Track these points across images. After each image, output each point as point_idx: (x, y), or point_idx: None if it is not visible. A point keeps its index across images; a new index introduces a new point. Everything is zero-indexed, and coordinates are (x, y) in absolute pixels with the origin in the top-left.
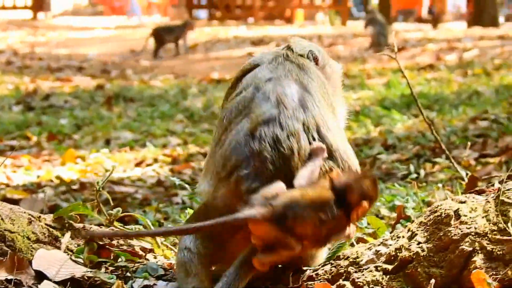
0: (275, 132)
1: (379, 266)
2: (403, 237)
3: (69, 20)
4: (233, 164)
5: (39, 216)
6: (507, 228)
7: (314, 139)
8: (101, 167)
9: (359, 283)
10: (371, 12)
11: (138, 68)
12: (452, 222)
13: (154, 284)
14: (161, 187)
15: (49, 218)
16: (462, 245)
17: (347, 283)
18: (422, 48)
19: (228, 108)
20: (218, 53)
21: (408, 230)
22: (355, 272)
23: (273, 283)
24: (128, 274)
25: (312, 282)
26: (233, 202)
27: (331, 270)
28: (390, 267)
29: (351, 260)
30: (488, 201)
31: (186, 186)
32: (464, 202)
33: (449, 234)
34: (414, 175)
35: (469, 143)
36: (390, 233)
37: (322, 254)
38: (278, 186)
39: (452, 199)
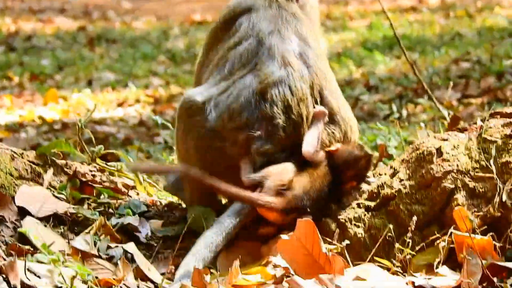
0: (286, 97)
1: (362, 203)
2: (385, 174)
3: None
4: (243, 122)
5: (22, 153)
6: (489, 166)
7: (317, 102)
8: (83, 107)
9: (341, 220)
10: None
11: (119, 10)
12: (434, 159)
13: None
14: (143, 127)
15: (32, 154)
16: (444, 182)
17: (329, 220)
18: None
19: (228, 58)
20: None
21: (390, 168)
22: (337, 209)
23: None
24: (111, 210)
25: None
26: (239, 153)
27: None
28: (372, 204)
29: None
30: (471, 139)
31: (169, 125)
32: (446, 140)
33: (431, 171)
34: (396, 115)
35: (451, 83)
36: (372, 170)
37: None
38: (290, 169)
39: (434, 137)
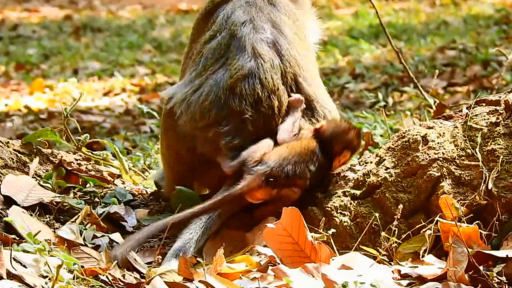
0: (257, 90)
1: (347, 192)
2: (371, 162)
3: None
4: (213, 118)
5: (8, 142)
6: (475, 154)
7: (292, 91)
8: (69, 96)
9: (327, 208)
10: None
11: None
12: (420, 147)
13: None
14: (129, 116)
15: (17, 144)
16: (430, 170)
17: (315, 209)
18: None
19: (203, 53)
20: None
21: (376, 156)
22: (323, 197)
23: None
24: (97, 199)
25: None
26: (210, 150)
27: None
28: (358, 192)
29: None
30: (456, 127)
31: (155, 114)
32: (432, 128)
33: (417, 159)
34: (382, 103)
35: (437, 72)
36: (358, 159)
37: None
38: (267, 144)
39: (420, 125)
